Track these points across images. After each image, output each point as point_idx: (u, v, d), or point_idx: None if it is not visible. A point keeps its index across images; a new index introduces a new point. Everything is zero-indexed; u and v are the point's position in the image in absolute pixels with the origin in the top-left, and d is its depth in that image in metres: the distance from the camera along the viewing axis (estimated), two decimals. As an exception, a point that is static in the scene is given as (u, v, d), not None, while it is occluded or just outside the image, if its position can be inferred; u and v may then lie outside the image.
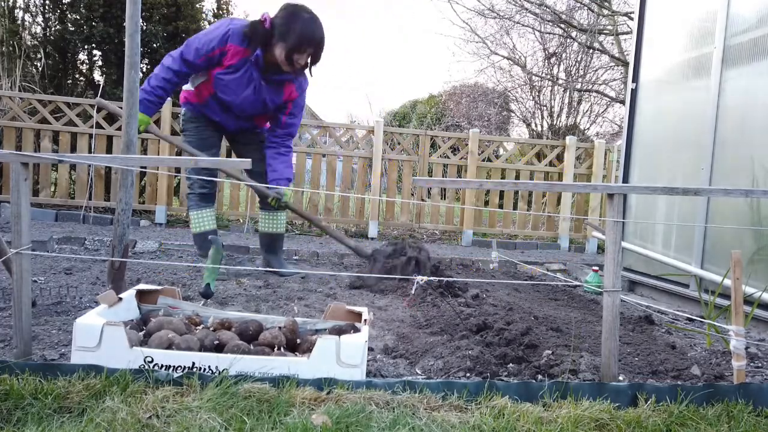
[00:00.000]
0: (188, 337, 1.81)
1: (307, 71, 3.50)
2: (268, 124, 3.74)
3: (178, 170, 6.04)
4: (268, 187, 3.59)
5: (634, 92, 4.22)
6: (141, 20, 3.33)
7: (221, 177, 3.87)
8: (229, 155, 5.36)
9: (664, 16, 4.06)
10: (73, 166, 5.88)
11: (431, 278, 3.06)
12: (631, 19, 9.07)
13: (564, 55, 10.84)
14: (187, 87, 3.55)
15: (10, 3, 6.08)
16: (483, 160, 6.40)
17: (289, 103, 3.59)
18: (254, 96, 3.44)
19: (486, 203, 8.08)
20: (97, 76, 6.56)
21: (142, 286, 2.23)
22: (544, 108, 10.95)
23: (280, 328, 2.00)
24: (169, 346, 1.75)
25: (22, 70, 5.93)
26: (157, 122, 5.78)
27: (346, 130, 6.69)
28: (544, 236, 6.64)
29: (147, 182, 5.97)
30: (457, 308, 2.76)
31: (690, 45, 3.74)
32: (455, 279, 3.62)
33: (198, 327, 2.06)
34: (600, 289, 2.08)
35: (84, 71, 6.58)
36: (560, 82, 10.82)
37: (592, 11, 10.68)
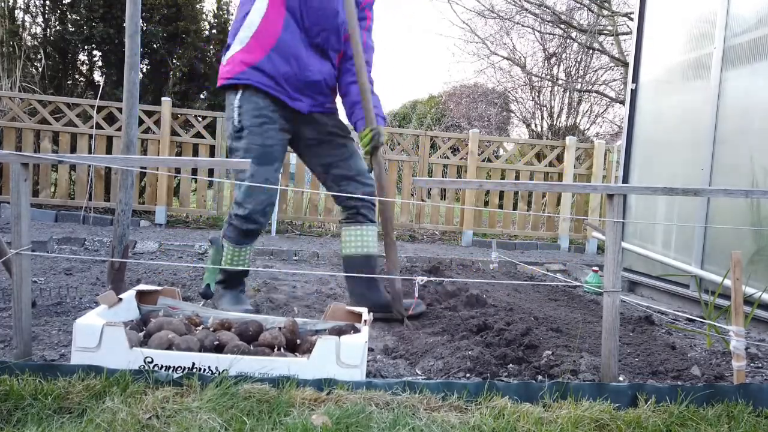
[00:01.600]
0: (188, 337, 1.81)
1: None
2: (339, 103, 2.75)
3: (178, 171, 6.04)
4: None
5: (634, 92, 4.22)
6: (141, 21, 3.31)
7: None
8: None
9: (664, 17, 4.06)
10: (73, 167, 5.88)
11: (431, 278, 3.06)
12: (631, 19, 9.07)
13: (564, 56, 10.84)
14: (234, 49, 2.52)
15: (10, 3, 6.08)
16: (483, 161, 6.40)
17: (366, 9, 2.67)
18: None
19: (486, 204, 8.08)
20: (97, 76, 6.56)
21: (142, 287, 2.23)
22: (544, 108, 10.96)
23: (280, 328, 2.00)
24: (169, 346, 1.75)
25: (22, 70, 5.93)
26: (157, 122, 5.79)
27: (346, 130, 6.68)
28: (544, 236, 6.63)
29: (147, 183, 5.97)
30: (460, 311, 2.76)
31: (690, 45, 3.74)
32: (455, 279, 3.61)
33: (198, 327, 2.06)
34: (600, 290, 2.08)
35: (84, 72, 6.58)
36: (560, 82, 10.82)
37: (592, 12, 10.67)
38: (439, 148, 6.42)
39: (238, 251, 2.59)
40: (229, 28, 2.61)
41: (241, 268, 2.61)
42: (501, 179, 6.39)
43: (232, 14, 7.49)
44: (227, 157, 2.55)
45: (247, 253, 2.63)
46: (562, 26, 10.62)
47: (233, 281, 2.66)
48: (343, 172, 2.67)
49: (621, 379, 2.00)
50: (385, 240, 2.59)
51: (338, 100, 2.78)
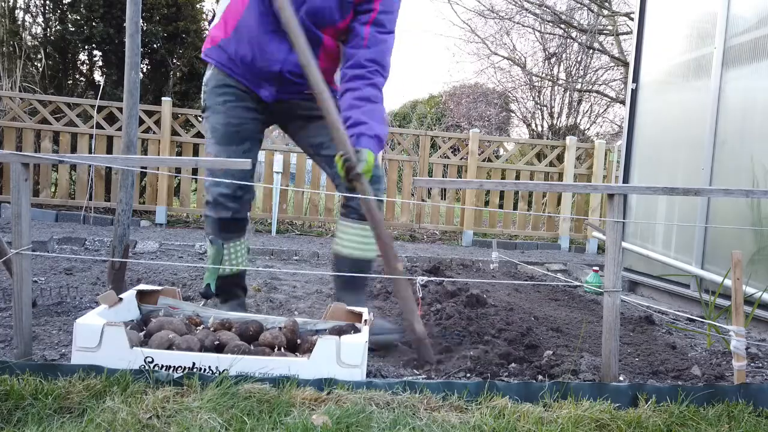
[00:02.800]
0: (188, 337, 1.81)
1: None
2: (337, 82, 2.31)
3: (178, 170, 6.04)
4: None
5: (634, 92, 4.22)
6: (141, 20, 3.31)
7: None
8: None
9: (664, 17, 4.06)
10: (73, 167, 5.88)
11: (431, 278, 3.06)
12: (631, 19, 9.06)
13: (564, 56, 10.84)
14: (214, 23, 2.31)
15: (11, 3, 6.08)
16: (483, 161, 6.40)
17: (374, 1, 2.16)
18: None
19: (486, 203, 8.08)
20: (98, 76, 6.56)
21: (142, 287, 2.23)
22: (544, 108, 10.96)
23: (280, 328, 2.00)
24: (170, 346, 1.75)
25: (23, 70, 5.93)
26: (158, 122, 5.79)
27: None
28: (544, 236, 6.63)
29: (147, 182, 5.97)
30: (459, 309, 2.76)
31: (690, 45, 3.74)
32: (455, 279, 3.62)
33: (198, 327, 2.06)
34: (600, 290, 2.08)
35: (84, 71, 6.58)
36: (560, 82, 10.82)
37: (592, 11, 10.67)
38: (440, 148, 6.42)
39: (218, 250, 2.29)
40: None
41: (227, 266, 2.30)
42: (501, 179, 6.39)
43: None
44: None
45: (233, 251, 2.31)
46: (563, 26, 10.62)
47: (227, 289, 2.40)
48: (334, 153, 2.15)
49: (621, 379, 2.00)
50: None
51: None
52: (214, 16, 2.31)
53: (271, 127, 2.94)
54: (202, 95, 2.33)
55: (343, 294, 2.32)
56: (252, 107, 2.29)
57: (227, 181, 2.19)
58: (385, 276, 2.24)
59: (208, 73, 2.31)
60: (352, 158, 2.02)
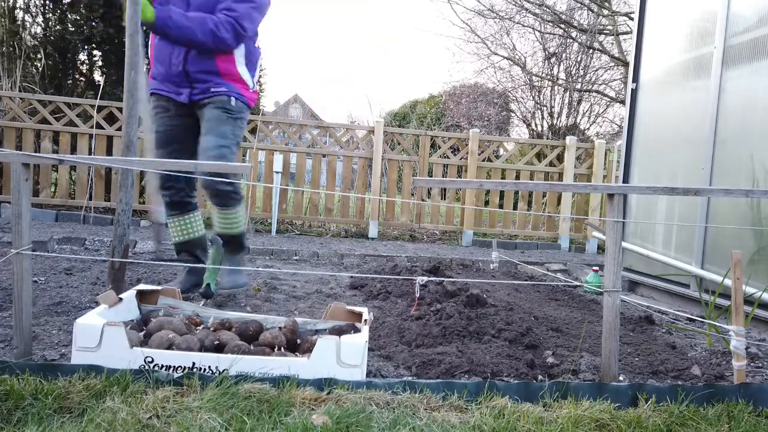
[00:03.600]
0: (188, 337, 1.81)
1: None
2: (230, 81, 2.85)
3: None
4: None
5: (634, 92, 4.22)
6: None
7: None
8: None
9: (664, 17, 4.06)
10: (73, 167, 5.88)
11: (431, 278, 3.06)
12: (631, 19, 9.06)
13: (564, 55, 10.84)
14: None
15: (11, 3, 6.08)
16: (483, 161, 6.40)
17: None
18: None
19: (486, 203, 8.08)
20: (97, 76, 6.56)
21: (142, 287, 2.23)
22: (544, 108, 10.96)
23: (280, 328, 2.00)
24: (170, 346, 1.75)
25: (22, 70, 5.93)
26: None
27: (346, 130, 6.69)
28: (544, 236, 6.63)
29: (147, 182, 5.97)
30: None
31: (690, 45, 3.74)
32: (455, 279, 3.61)
33: (198, 327, 2.06)
34: (600, 289, 2.08)
35: (84, 71, 6.58)
36: (560, 82, 10.82)
37: (592, 11, 10.68)
38: (440, 147, 6.42)
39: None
40: None
41: (175, 236, 2.96)
42: (501, 179, 6.39)
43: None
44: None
45: (176, 225, 2.97)
46: (562, 26, 10.62)
47: (182, 249, 3.02)
48: (198, 150, 2.82)
49: (621, 378, 2.00)
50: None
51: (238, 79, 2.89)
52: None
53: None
54: None
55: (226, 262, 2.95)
56: (176, 114, 2.86)
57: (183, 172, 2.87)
58: (385, 276, 2.28)
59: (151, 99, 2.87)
60: None
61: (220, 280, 2.83)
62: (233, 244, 2.94)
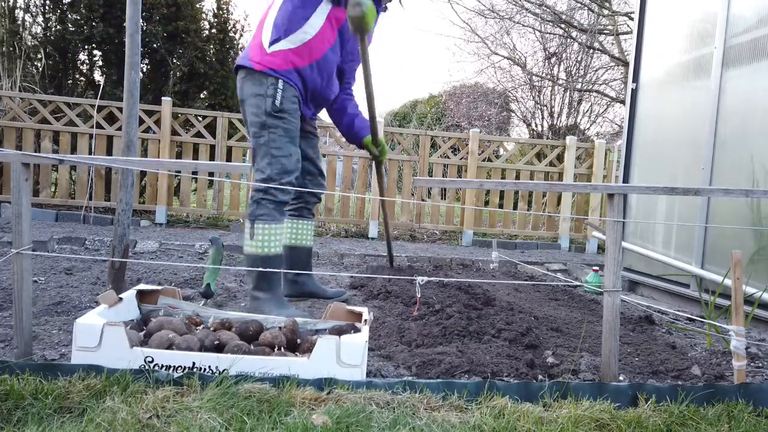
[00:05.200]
0: (188, 337, 1.81)
1: None
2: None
3: (178, 170, 6.04)
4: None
5: (634, 92, 4.22)
6: (141, 20, 3.31)
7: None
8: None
9: (664, 17, 4.06)
10: (73, 167, 5.89)
11: (431, 278, 3.06)
12: (631, 19, 9.06)
13: (564, 55, 10.83)
14: (283, 45, 2.60)
15: (11, 3, 6.08)
16: (483, 160, 6.40)
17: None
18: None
19: (486, 203, 8.08)
20: (98, 76, 6.57)
21: (142, 287, 2.23)
22: (545, 108, 10.95)
23: (280, 328, 2.00)
24: (170, 346, 1.75)
25: (23, 70, 5.93)
26: (158, 122, 5.79)
27: (346, 130, 6.69)
28: (544, 236, 6.63)
29: (147, 182, 5.97)
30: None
31: (690, 45, 3.74)
32: (455, 279, 3.61)
33: (198, 327, 2.06)
34: (600, 289, 2.08)
35: (84, 71, 6.58)
36: (560, 82, 10.82)
37: (592, 11, 10.67)
38: (440, 147, 6.42)
39: (275, 228, 2.61)
40: (272, 17, 2.65)
41: (276, 250, 2.61)
42: (501, 179, 6.39)
43: (232, 13, 7.50)
44: (253, 136, 2.67)
45: (281, 232, 2.66)
46: (563, 26, 10.62)
47: (271, 277, 2.58)
48: (311, 169, 2.97)
49: (621, 378, 2.00)
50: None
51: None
52: (276, 39, 2.61)
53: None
54: (273, 99, 2.61)
55: (297, 278, 3.05)
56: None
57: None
58: (386, 276, 2.29)
59: (280, 83, 2.61)
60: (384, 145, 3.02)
61: (322, 291, 3.06)
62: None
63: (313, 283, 3.10)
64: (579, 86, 10.63)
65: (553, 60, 11.02)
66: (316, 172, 3.00)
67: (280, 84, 2.60)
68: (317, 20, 2.62)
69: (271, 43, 2.60)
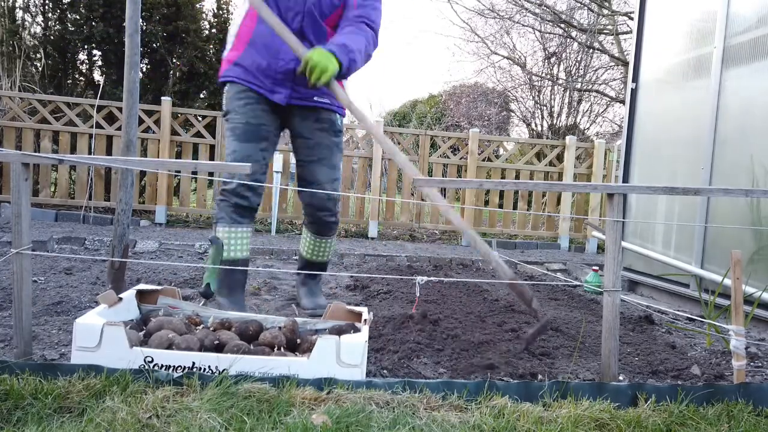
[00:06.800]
0: (188, 337, 1.81)
1: None
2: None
3: (178, 170, 6.04)
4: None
5: (634, 92, 4.22)
6: (141, 20, 3.31)
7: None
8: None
9: (664, 16, 4.06)
10: (73, 166, 5.88)
11: (431, 278, 3.06)
12: (631, 19, 9.06)
13: (564, 55, 10.83)
14: (225, 53, 2.59)
15: (10, 3, 6.08)
16: (483, 160, 6.40)
17: None
18: None
19: (486, 203, 8.07)
20: (97, 76, 6.56)
21: (142, 286, 2.23)
22: (544, 108, 10.95)
23: (280, 328, 2.00)
24: (169, 346, 1.75)
25: (22, 70, 5.93)
26: (157, 122, 5.79)
27: (346, 129, 6.69)
28: (544, 236, 6.63)
29: (147, 182, 5.97)
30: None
31: (690, 45, 3.74)
32: (455, 279, 3.62)
33: (198, 327, 2.06)
34: (600, 289, 2.08)
35: (84, 71, 6.58)
36: (560, 81, 10.82)
37: (592, 11, 10.67)
38: (439, 147, 6.42)
39: (234, 232, 2.47)
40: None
41: (238, 255, 2.48)
42: (501, 179, 6.39)
43: (232, 14, 7.49)
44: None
45: (243, 237, 2.49)
46: (562, 25, 10.61)
47: (232, 280, 2.51)
48: (305, 175, 2.63)
49: (621, 378, 2.00)
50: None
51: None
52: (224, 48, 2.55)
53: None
54: (223, 105, 2.54)
55: (301, 286, 2.91)
56: (268, 110, 2.51)
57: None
58: (386, 276, 2.28)
59: (227, 87, 2.53)
60: (307, 59, 2.23)
61: (302, 302, 2.82)
62: (318, 269, 2.86)
63: (307, 293, 2.89)
64: (579, 86, 10.63)
65: (552, 60, 11.02)
66: (310, 179, 2.60)
67: (226, 87, 2.52)
68: (242, 9, 2.52)
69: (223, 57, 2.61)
